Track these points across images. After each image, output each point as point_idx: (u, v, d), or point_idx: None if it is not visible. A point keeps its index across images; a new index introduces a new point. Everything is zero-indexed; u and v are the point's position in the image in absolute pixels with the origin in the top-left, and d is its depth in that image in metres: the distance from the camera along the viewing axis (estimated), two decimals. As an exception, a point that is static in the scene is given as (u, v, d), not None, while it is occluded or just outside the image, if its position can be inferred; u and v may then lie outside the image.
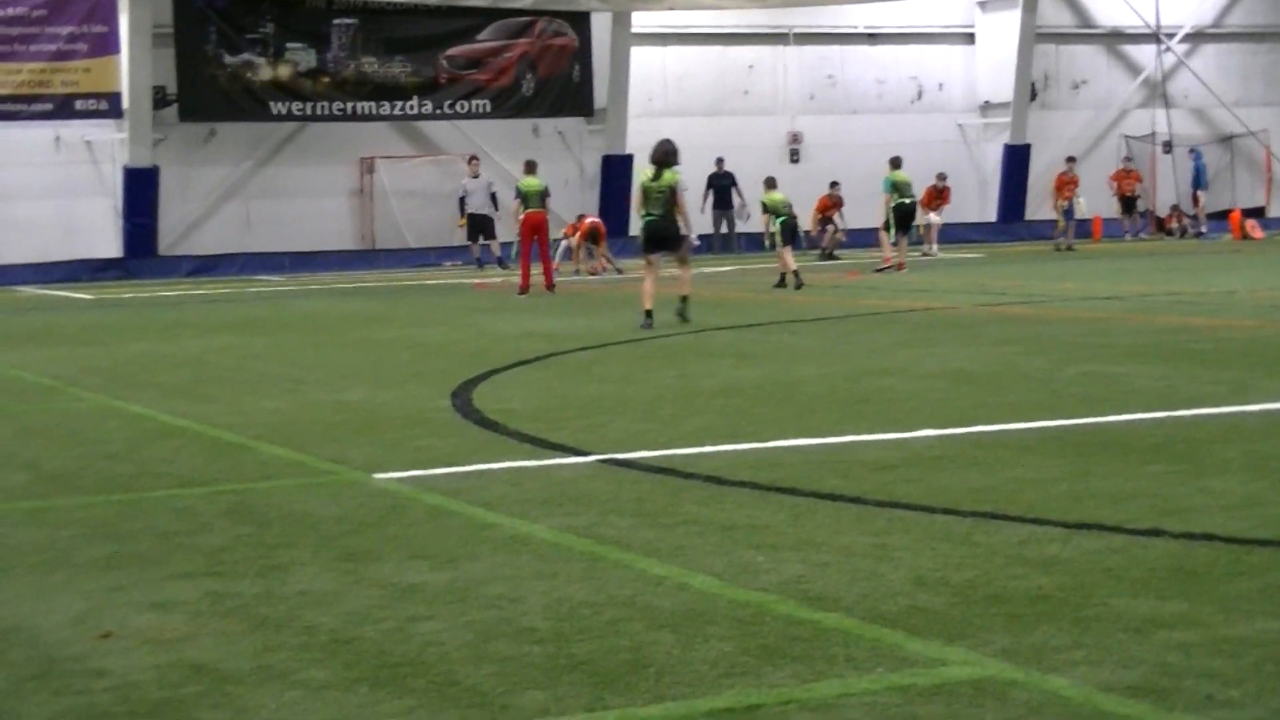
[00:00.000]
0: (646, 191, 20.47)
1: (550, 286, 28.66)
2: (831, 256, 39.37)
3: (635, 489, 9.67)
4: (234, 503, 9.65)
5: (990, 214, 46.38)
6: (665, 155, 20.41)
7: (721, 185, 42.57)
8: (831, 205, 40.31)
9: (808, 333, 19.92)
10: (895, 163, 34.43)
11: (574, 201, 43.31)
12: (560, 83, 42.74)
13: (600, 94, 42.87)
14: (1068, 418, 11.91)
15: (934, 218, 40.51)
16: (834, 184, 40.73)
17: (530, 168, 29.99)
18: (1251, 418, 11.76)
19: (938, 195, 40.99)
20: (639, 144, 42.33)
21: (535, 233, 28.84)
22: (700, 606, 6.90)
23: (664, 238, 20.66)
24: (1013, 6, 45.34)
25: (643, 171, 20.85)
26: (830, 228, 40.05)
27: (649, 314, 20.24)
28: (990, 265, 35.25)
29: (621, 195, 43.01)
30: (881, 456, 10.50)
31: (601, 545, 8.13)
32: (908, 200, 34.54)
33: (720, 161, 42.12)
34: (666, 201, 20.37)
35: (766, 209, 30.74)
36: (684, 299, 20.55)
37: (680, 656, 6.18)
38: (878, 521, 8.49)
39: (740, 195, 42.21)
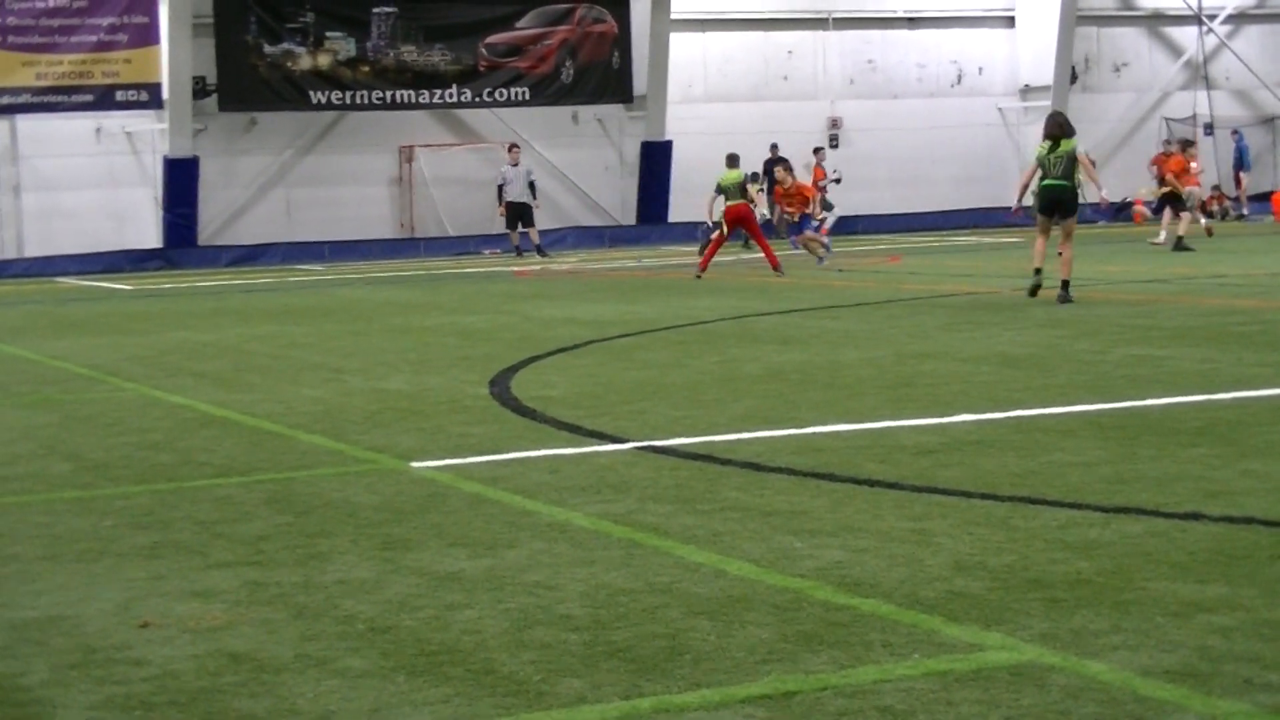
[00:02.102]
0: (1043, 163, 21.30)
1: (776, 268, 28.75)
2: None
3: (674, 475, 9.66)
4: (273, 492, 9.67)
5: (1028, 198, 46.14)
6: (1060, 128, 21.23)
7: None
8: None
9: (850, 317, 19.88)
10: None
11: (614, 188, 43.32)
12: (600, 69, 42.71)
13: (640, 80, 42.82)
14: (1111, 401, 11.87)
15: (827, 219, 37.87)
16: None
17: (732, 161, 29.79)
18: (1294, 400, 11.70)
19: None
20: (678, 130, 42.44)
21: (740, 224, 29.37)
22: (738, 593, 6.89)
23: (1060, 201, 21.26)
24: (1055, -11, 45.18)
25: (1039, 147, 21.61)
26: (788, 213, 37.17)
27: (1038, 272, 21.16)
28: (1028, 249, 35.03)
29: (661, 182, 43.04)
30: (922, 441, 10.47)
31: (639, 532, 8.13)
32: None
33: (775, 147, 41.91)
34: (1067, 168, 21.10)
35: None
36: (1065, 284, 20.78)
37: (717, 643, 6.17)
38: (916, 506, 8.46)
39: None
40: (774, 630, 6.30)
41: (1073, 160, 21.06)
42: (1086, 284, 23.12)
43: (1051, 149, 21.16)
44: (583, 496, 9.09)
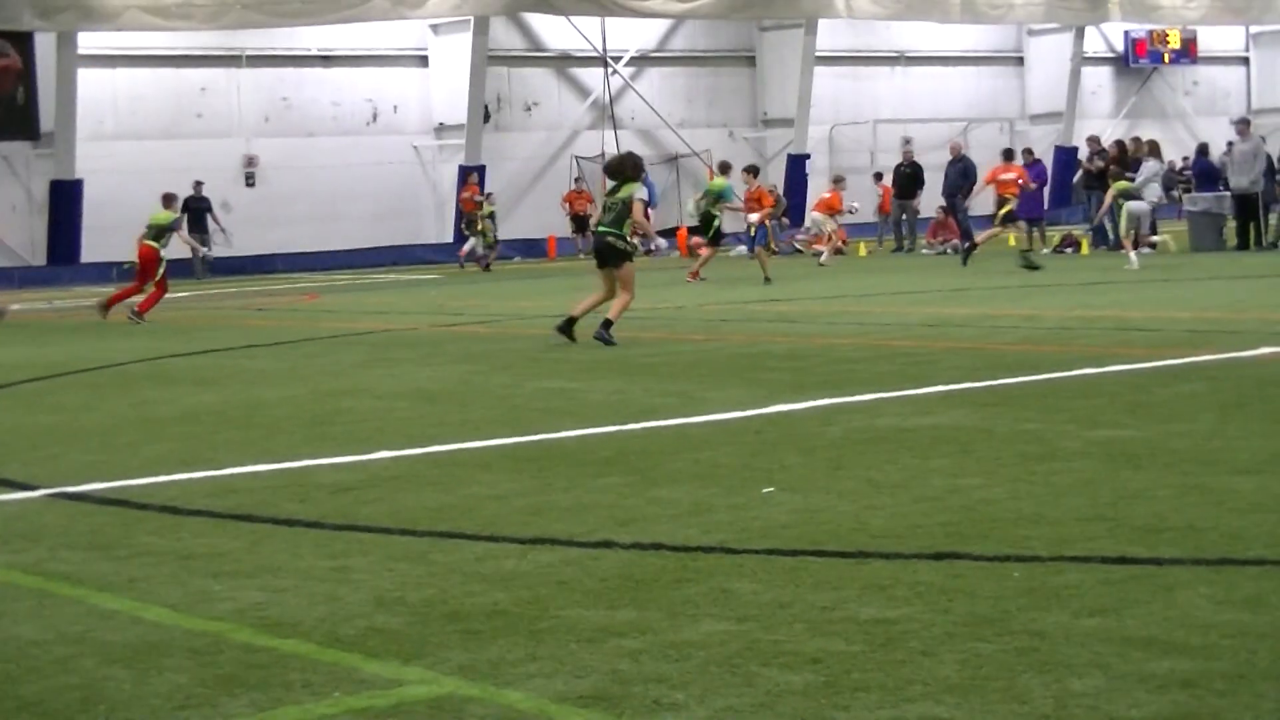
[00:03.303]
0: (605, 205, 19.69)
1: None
2: None
3: (88, 521, 9.43)
4: None
5: (448, 234, 46.71)
6: (621, 170, 19.58)
7: (199, 209, 41.52)
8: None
9: (267, 356, 19.74)
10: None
11: (22, 228, 41.93)
12: (4, 105, 41.28)
13: (47, 117, 41.58)
14: (526, 434, 12.11)
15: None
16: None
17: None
18: (698, 428, 12.17)
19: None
20: (89, 168, 41.38)
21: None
22: (155, 638, 6.77)
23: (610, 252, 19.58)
24: (464, 30, 45.83)
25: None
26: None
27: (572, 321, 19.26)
28: (449, 285, 35.56)
29: (72, 221, 41.87)
30: (340, 479, 10.49)
31: (51, 581, 7.90)
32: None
33: (199, 185, 41.34)
34: (620, 214, 19.40)
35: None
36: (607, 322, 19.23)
37: (133, 691, 6.05)
38: (336, 544, 8.47)
39: (216, 221, 41.61)
40: (192, 675, 6.22)
41: (627, 206, 19.44)
42: (498, 320, 23.57)
43: (612, 191, 19.67)
44: (-10, 547, 8.78)
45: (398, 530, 8.75)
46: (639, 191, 19.74)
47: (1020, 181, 34.96)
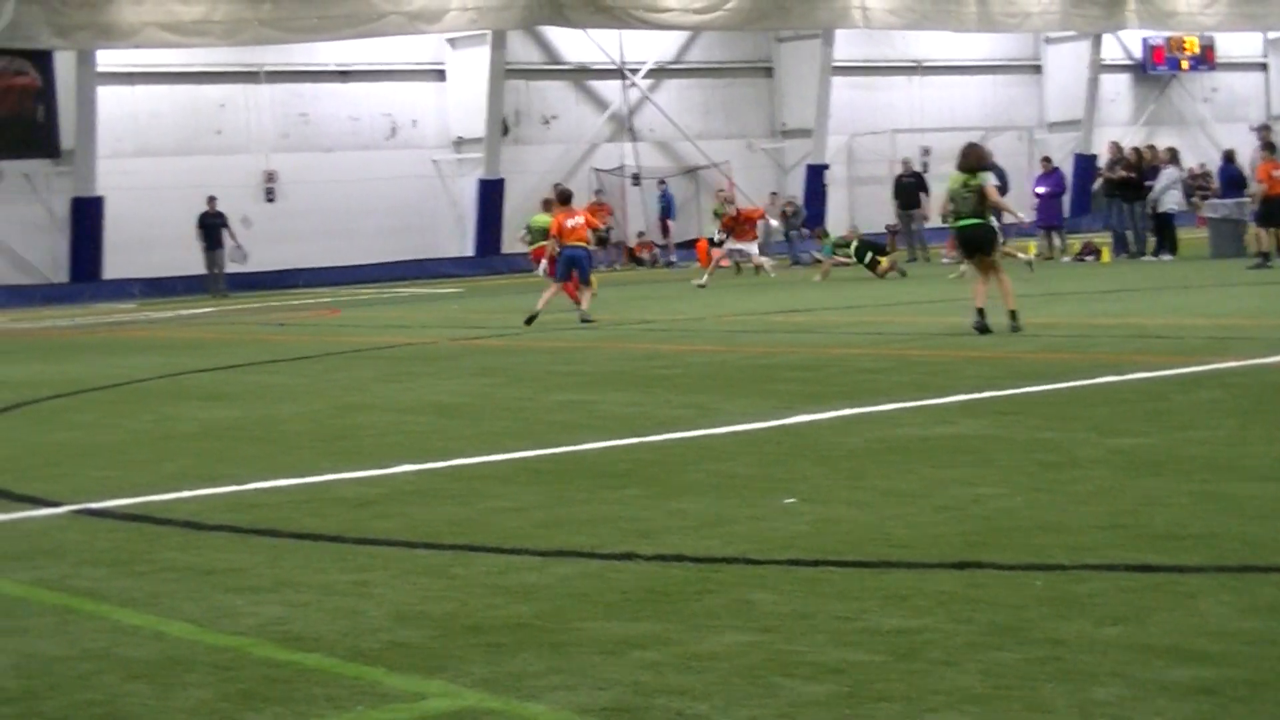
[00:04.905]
0: (954, 196, 20.19)
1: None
2: None
3: (110, 538, 9.46)
4: None
5: (468, 248, 46.81)
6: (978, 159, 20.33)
7: (214, 225, 41.53)
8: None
9: (286, 371, 19.78)
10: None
11: (44, 245, 42.04)
12: (23, 124, 41.39)
13: (67, 135, 41.68)
14: (545, 447, 12.12)
15: None
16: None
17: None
18: (717, 439, 12.18)
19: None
20: (110, 185, 41.46)
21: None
22: (177, 654, 6.79)
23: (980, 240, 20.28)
24: (481, 43, 45.86)
25: (952, 177, 20.42)
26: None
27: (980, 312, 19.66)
28: (468, 299, 35.58)
29: (93, 239, 41.97)
30: (360, 493, 10.51)
31: (74, 597, 7.92)
32: None
33: (213, 200, 41.41)
34: (977, 202, 20.01)
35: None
36: (1013, 313, 19.77)
37: (156, 707, 6.07)
38: (357, 558, 8.49)
39: (233, 236, 41.63)
40: (214, 690, 6.23)
41: (982, 194, 20.09)
42: (516, 334, 23.61)
43: (964, 183, 20.18)
44: (12, 564, 8.80)
45: (418, 544, 8.77)
46: (990, 178, 20.58)
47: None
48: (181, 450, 13.07)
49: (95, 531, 9.71)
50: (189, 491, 10.92)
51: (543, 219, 30.61)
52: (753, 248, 37.13)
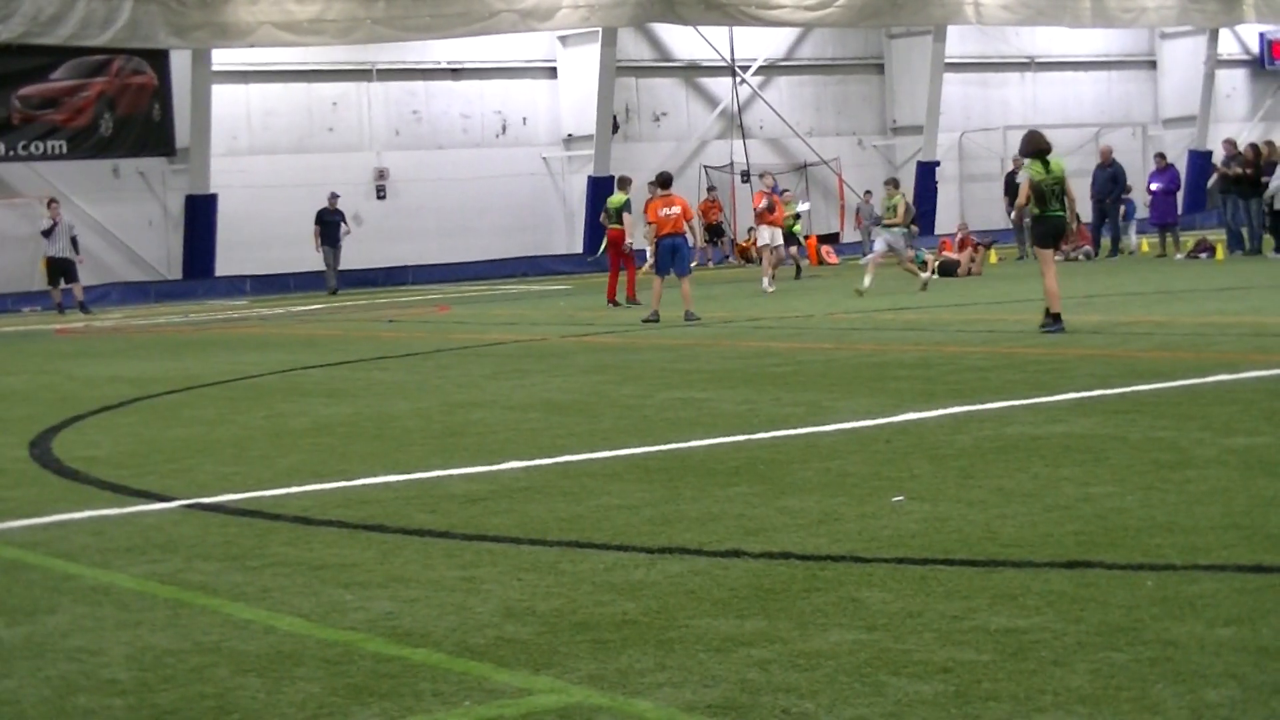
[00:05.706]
0: (1044, 185, 20.13)
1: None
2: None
3: (222, 532, 9.54)
4: None
5: (577, 245, 46.94)
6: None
7: (332, 221, 41.69)
8: None
9: (398, 368, 19.90)
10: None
11: (158, 242, 42.54)
12: (140, 122, 41.94)
13: (182, 133, 42.17)
14: (655, 444, 12.12)
15: None
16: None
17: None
18: (827, 437, 12.13)
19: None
20: (223, 183, 41.91)
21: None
22: (288, 648, 6.84)
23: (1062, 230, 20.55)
24: (592, 41, 46.00)
25: (1033, 168, 20.27)
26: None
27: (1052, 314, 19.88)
28: (578, 296, 35.65)
29: (207, 236, 42.42)
30: (471, 489, 10.55)
31: (186, 591, 8.00)
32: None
33: (334, 197, 41.62)
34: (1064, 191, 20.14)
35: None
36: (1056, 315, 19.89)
37: (267, 700, 6.12)
38: (466, 554, 8.52)
39: (349, 231, 41.74)
40: (324, 684, 6.27)
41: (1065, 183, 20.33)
42: (627, 330, 23.63)
43: (1052, 173, 20.25)
44: (127, 558, 8.90)
45: (527, 540, 8.79)
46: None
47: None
48: (294, 446, 13.18)
49: (208, 526, 9.80)
50: (301, 487, 11.01)
51: (619, 198, 30.39)
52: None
